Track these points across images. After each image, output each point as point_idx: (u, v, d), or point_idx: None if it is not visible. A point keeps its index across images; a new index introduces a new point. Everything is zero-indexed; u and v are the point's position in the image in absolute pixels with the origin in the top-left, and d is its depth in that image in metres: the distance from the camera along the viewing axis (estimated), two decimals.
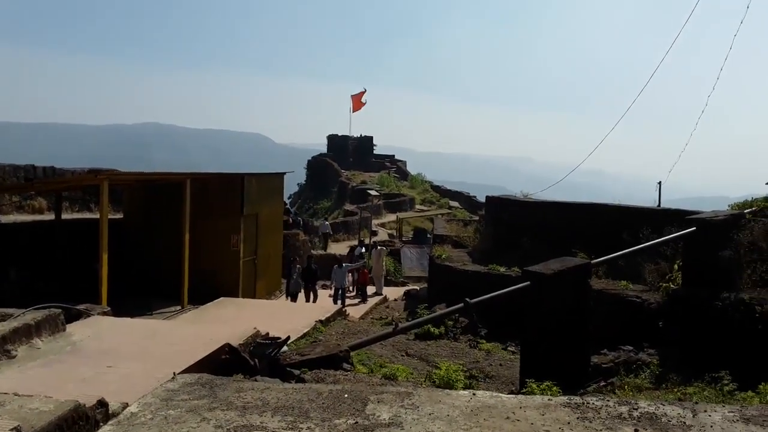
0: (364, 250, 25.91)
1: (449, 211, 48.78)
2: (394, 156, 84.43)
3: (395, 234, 41.60)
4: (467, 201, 58.52)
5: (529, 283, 10.05)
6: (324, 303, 18.65)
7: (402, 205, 53.07)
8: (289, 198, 73.58)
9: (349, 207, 50.27)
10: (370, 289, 22.59)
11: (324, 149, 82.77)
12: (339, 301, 19.63)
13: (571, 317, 9.87)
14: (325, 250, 22.61)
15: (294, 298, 19.39)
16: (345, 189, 61.05)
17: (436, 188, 67.18)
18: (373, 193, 46.15)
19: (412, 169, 77.65)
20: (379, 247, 25.03)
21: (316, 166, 77.88)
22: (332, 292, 20.77)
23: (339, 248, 31.23)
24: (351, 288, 23.95)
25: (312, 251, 26.95)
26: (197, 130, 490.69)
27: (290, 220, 30.22)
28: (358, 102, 70.39)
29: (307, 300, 19.44)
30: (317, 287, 20.00)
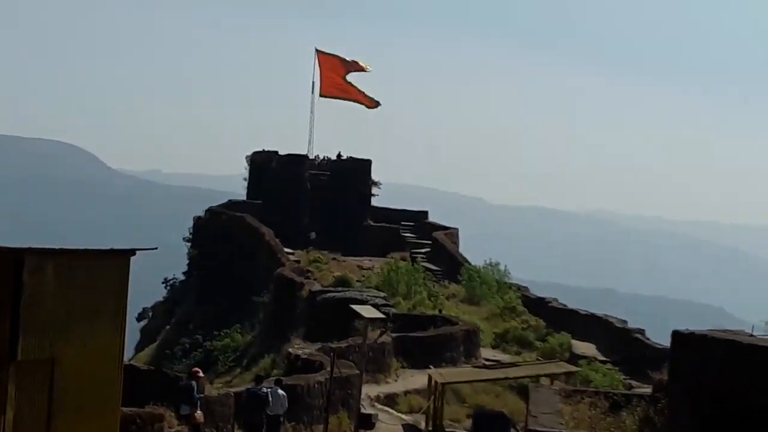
0: None
1: (575, 369, 32.87)
2: (426, 215, 61.96)
3: (424, 428, 27.01)
4: (620, 338, 41.30)
5: None
6: None
7: (444, 346, 36.49)
8: (141, 321, 60.26)
9: (298, 348, 33.00)
10: None
11: (237, 190, 60.97)
12: None
13: None
14: None
15: None
16: (292, 296, 42.84)
17: (539, 303, 46.91)
18: (367, 314, 30.69)
19: (472, 250, 53.81)
20: None
21: (216, 233, 55.64)
22: None
23: None
24: None
25: None
26: None
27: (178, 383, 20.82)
28: (332, 73, 50.49)
29: None
30: None
